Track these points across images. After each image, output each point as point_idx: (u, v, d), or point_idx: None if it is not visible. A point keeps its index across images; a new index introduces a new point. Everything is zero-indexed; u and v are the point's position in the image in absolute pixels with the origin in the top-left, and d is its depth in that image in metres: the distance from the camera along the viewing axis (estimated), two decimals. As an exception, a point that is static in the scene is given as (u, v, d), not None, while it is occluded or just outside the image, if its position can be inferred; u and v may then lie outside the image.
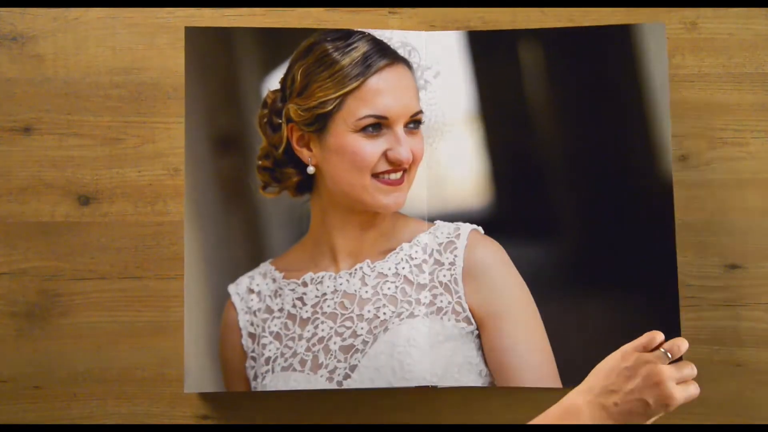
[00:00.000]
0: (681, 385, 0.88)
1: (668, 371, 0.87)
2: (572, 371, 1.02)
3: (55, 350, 1.16)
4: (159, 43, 1.20)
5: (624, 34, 1.19)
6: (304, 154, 1.09)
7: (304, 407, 1.18)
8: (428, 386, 1.14)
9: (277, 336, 1.10)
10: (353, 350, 1.08)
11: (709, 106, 1.23)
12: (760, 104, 1.23)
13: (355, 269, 1.10)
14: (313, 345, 1.08)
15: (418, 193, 1.14)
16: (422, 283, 1.09)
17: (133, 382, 1.17)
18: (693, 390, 0.89)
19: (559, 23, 1.23)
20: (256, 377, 1.10)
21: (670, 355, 0.89)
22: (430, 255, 1.10)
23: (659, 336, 0.91)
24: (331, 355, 1.08)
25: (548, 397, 1.18)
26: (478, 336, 1.09)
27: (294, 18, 1.21)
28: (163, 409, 1.17)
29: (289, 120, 1.09)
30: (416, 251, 1.10)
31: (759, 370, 1.21)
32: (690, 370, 0.89)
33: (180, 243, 1.17)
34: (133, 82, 1.19)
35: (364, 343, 1.07)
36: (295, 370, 1.08)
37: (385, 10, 1.22)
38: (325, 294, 1.09)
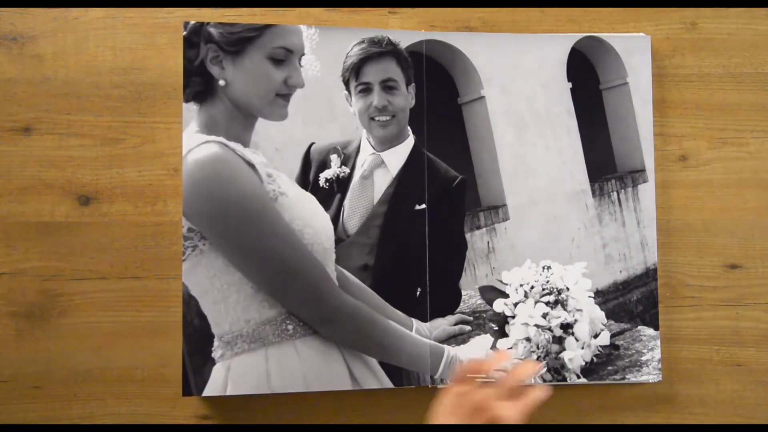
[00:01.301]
0: (510, 402, 0.84)
1: (484, 396, 0.85)
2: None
3: (55, 350, 1.16)
4: (159, 43, 1.20)
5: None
6: None
7: (304, 408, 1.18)
8: (428, 386, 1.14)
9: None
10: None
11: (709, 106, 1.23)
12: (760, 104, 1.23)
13: None
14: None
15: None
16: None
17: (133, 382, 1.17)
18: (538, 394, 0.86)
19: (558, 23, 1.23)
20: None
21: (493, 378, 0.86)
22: None
23: (474, 366, 0.89)
24: None
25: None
26: None
27: (294, 18, 1.21)
28: (163, 409, 1.17)
29: None
30: None
31: (759, 370, 1.21)
32: (519, 376, 0.87)
33: (180, 243, 1.17)
34: (133, 82, 1.19)
35: None
36: None
37: (385, 10, 1.22)
38: None
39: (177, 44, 1.19)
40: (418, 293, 1.15)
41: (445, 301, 1.17)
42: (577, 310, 1.13)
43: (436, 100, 1.18)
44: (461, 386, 0.87)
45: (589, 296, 1.15)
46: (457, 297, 1.17)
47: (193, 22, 1.10)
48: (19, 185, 1.17)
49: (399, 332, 1.11)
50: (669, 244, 1.21)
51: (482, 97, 1.20)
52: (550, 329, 1.12)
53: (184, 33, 1.10)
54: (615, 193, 1.22)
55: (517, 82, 1.20)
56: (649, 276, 1.20)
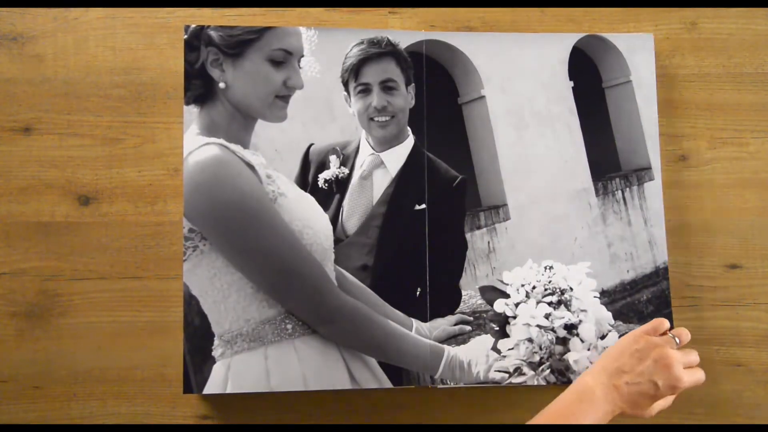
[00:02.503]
0: (688, 370, 0.92)
1: (677, 355, 0.91)
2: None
3: (55, 350, 1.16)
4: (159, 43, 1.20)
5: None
6: None
7: (304, 407, 1.18)
8: (428, 386, 1.14)
9: None
10: None
11: (709, 106, 1.23)
12: (760, 104, 1.23)
13: None
14: None
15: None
16: None
17: (133, 382, 1.17)
18: (700, 375, 0.93)
19: (558, 23, 1.23)
20: None
21: (678, 341, 0.94)
22: None
23: (666, 322, 0.97)
24: None
25: (547, 396, 1.19)
26: None
27: (294, 18, 1.21)
28: (163, 409, 1.17)
29: None
30: None
31: (759, 370, 1.21)
32: (695, 356, 0.94)
33: (180, 243, 1.17)
34: (133, 82, 1.19)
35: None
36: None
37: (385, 10, 1.22)
38: None
39: (177, 44, 1.19)
40: (417, 293, 1.15)
41: (445, 301, 1.16)
42: (582, 310, 1.13)
43: (436, 100, 1.18)
44: (655, 338, 0.94)
45: (595, 296, 1.14)
46: (456, 297, 1.17)
47: (193, 25, 1.10)
48: (19, 185, 1.17)
49: (398, 332, 1.11)
50: (669, 243, 1.21)
51: (482, 97, 1.20)
52: (553, 330, 1.12)
53: (185, 36, 1.11)
54: (620, 192, 1.22)
55: (518, 81, 1.20)
56: (659, 275, 1.20)
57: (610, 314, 1.15)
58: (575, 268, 1.15)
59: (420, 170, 1.17)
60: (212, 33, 1.09)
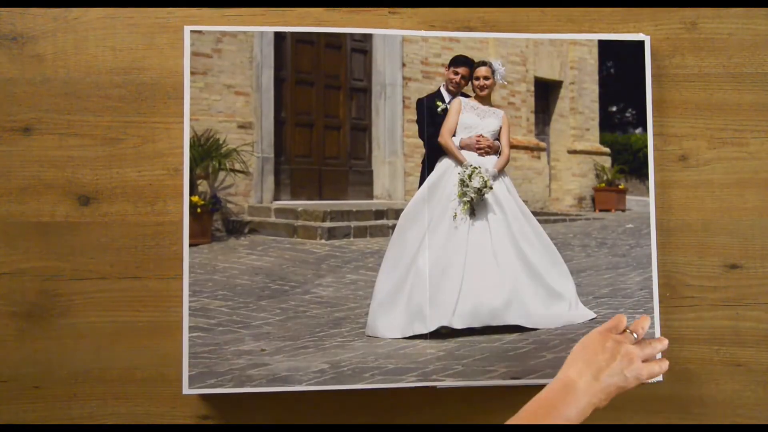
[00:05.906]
0: (646, 363, 0.97)
1: (637, 350, 0.97)
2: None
3: (55, 350, 1.16)
4: (159, 43, 1.20)
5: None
6: None
7: (305, 407, 1.18)
8: (428, 386, 1.14)
9: None
10: None
11: (709, 106, 1.23)
12: (760, 104, 1.23)
13: None
14: None
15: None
16: None
17: (133, 382, 1.17)
18: (655, 369, 0.98)
19: (558, 23, 1.23)
20: None
21: (635, 336, 0.99)
22: None
23: (624, 319, 1.01)
24: None
25: (548, 397, 1.18)
26: None
27: (294, 18, 1.21)
28: (163, 409, 1.17)
29: None
30: None
31: (759, 370, 1.21)
32: (651, 349, 1.00)
33: (180, 243, 1.16)
34: (133, 82, 1.19)
35: None
36: None
37: (385, 10, 1.22)
38: None
39: (177, 44, 1.19)
40: None
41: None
42: None
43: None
44: (618, 335, 0.99)
45: None
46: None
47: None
48: (19, 185, 1.17)
49: None
50: (669, 244, 1.21)
51: None
52: None
53: None
54: None
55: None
56: None
57: None
58: None
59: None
60: None
